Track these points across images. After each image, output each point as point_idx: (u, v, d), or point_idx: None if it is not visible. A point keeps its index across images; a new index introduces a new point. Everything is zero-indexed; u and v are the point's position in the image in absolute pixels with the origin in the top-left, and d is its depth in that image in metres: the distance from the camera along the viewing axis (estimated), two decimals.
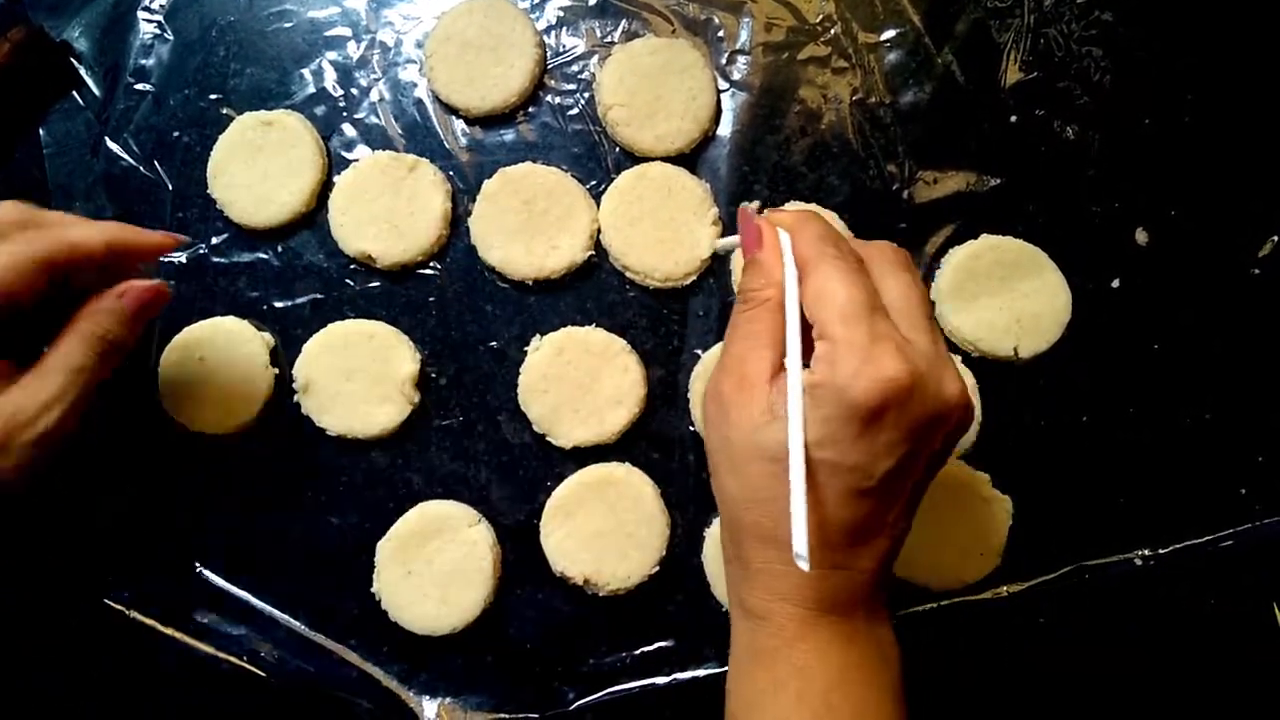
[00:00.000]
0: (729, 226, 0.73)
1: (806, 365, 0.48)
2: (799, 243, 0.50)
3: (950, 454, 0.51)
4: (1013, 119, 0.73)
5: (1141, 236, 0.72)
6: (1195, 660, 0.69)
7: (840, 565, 0.49)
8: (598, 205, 0.73)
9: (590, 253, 0.73)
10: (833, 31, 0.74)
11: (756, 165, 0.74)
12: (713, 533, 0.70)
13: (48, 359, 0.57)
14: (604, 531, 0.70)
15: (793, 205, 0.55)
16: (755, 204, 0.53)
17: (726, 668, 0.68)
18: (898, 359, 0.46)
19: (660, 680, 0.70)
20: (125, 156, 0.76)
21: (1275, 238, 0.72)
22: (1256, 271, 0.72)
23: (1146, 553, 0.70)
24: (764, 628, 0.51)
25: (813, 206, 0.71)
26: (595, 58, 0.75)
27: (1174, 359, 0.71)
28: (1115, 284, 0.72)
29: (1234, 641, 0.69)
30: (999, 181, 0.73)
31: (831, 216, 0.71)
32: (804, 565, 0.44)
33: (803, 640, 0.49)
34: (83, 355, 0.57)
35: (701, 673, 0.70)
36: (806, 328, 0.49)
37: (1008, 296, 0.70)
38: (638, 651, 0.70)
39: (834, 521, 0.48)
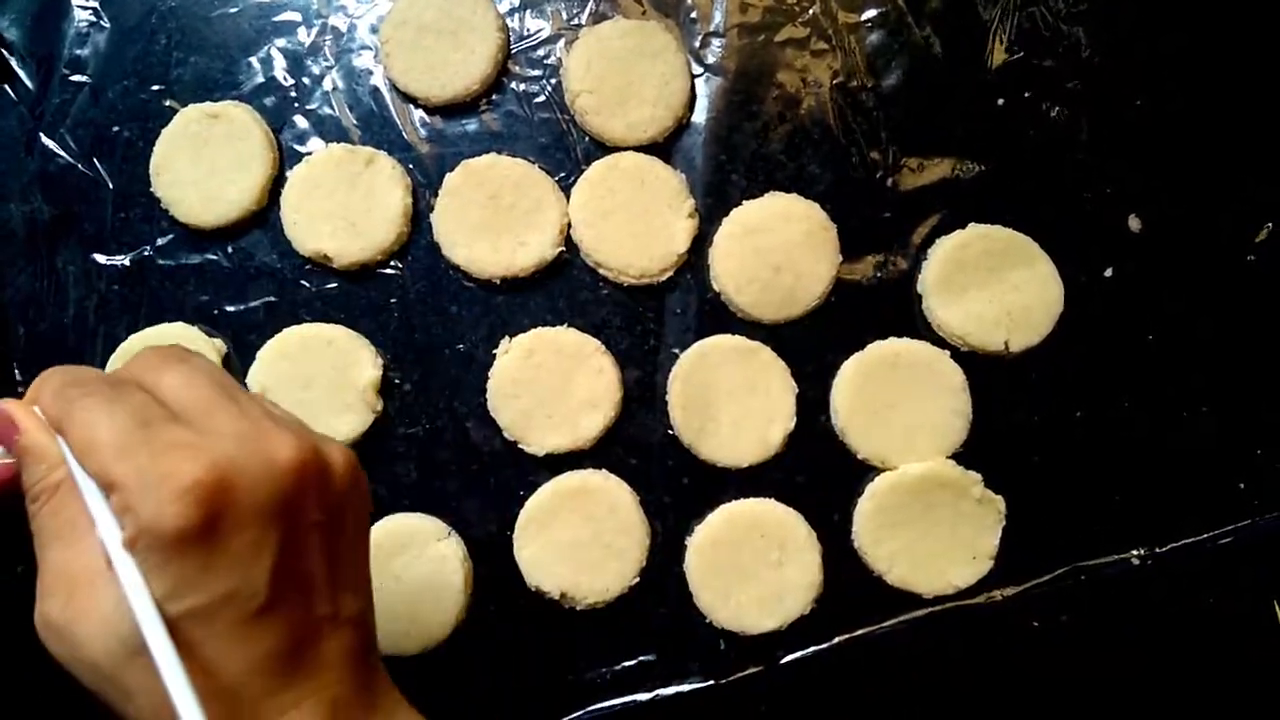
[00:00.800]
0: (707, 218, 0.69)
1: None
2: (44, 408, 0.41)
3: (364, 506, 0.44)
4: (999, 101, 0.70)
5: (1134, 223, 0.69)
6: (1194, 661, 0.67)
7: (299, 692, 0.39)
8: (567, 198, 0.70)
9: (560, 249, 0.69)
10: (811, 11, 0.71)
11: (734, 153, 0.70)
12: (695, 541, 0.67)
13: None
14: (581, 542, 0.67)
15: None
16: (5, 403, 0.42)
17: (712, 681, 0.65)
18: (190, 460, 0.37)
19: (643, 696, 0.67)
20: (62, 153, 0.71)
21: (1271, 223, 0.69)
22: (1253, 258, 0.69)
23: (1143, 552, 0.68)
24: None
25: (782, 196, 0.68)
26: (562, 41, 0.71)
27: (1169, 350, 0.69)
28: (1108, 273, 0.69)
29: (1234, 641, 0.67)
30: (986, 167, 0.69)
31: (811, 206, 0.68)
32: None
33: None
34: None
35: (686, 688, 0.67)
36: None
37: (997, 288, 0.67)
38: (619, 667, 0.67)
39: (250, 660, 0.38)
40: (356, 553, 0.44)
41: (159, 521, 0.36)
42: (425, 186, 0.70)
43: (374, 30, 0.71)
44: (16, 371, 0.69)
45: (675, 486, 0.68)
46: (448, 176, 0.69)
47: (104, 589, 0.37)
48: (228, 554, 0.37)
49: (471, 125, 0.71)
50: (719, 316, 0.69)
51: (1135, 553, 0.68)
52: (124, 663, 0.37)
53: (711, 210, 0.70)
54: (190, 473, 0.37)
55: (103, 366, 0.69)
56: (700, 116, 0.70)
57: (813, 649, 0.66)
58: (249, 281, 0.70)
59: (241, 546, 0.38)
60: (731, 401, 0.68)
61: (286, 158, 0.71)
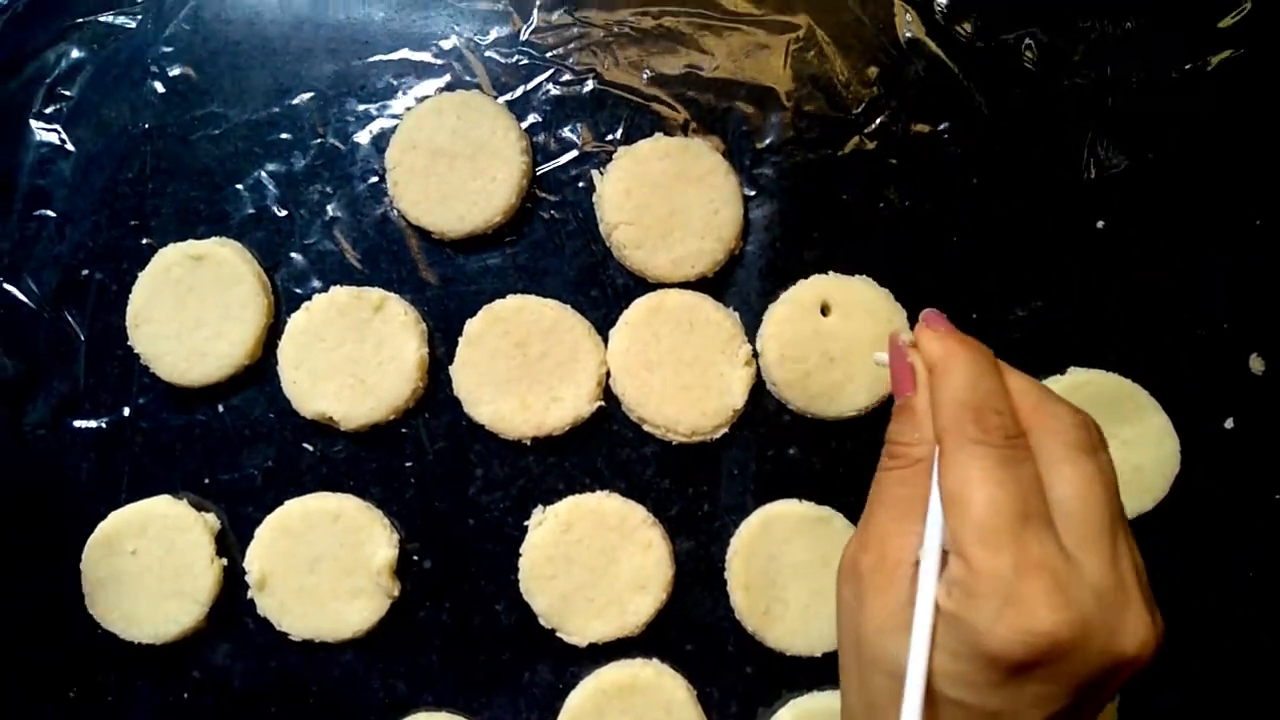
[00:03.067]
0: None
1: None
2: (936, 405, 0.40)
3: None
4: (1099, 224, 0.61)
5: (1257, 364, 0.60)
6: None
7: None
8: (605, 344, 0.61)
9: (599, 403, 0.60)
10: (879, 121, 0.61)
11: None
12: None
13: None
14: None
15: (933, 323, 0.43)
16: (907, 336, 0.43)
17: None
18: (1052, 604, 0.35)
19: None
20: (25, 299, 0.62)
21: None
22: None
23: None
24: None
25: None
26: (594, 161, 0.62)
27: None
28: (1229, 424, 0.60)
29: None
30: (1086, 301, 0.61)
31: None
32: None
33: None
34: None
35: None
36: None
37: None
38: None
39: None
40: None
41: (987, 637, 0.36)
42: (442, 332, 0.62)
43: (378, 148, 0.62)
44: None
45: (738, 677, 0.60)
46: (469, 322, 0.60)
47: (902, 583, 0.39)
48: (1018, 693, 0.36)
49: (494, 260, 0.62)
50: (783, 478, 0.60)
51: None
52: (875, 659, 0.39)
53: None
54: (1046, 619, 0.35)
55: (79, 549, 0.60)
56: (755, 246, 0.61)
57: None
58: (244, 445, 0.62)
59: (1033, 694, 0.36)
60: (801, 579, 0.59)
61: (283, 302, 0.62)
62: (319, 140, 0.62)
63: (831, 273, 0.60)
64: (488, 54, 0.62)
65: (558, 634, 0.59)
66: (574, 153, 0.62)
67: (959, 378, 0.40)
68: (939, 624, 0.37)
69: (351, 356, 0.60)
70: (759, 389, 0.61)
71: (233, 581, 0.61)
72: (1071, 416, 0.40)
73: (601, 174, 0.61)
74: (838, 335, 0.59)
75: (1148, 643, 0.37)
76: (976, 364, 0.40)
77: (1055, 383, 0.60)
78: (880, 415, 0.59)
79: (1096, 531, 0.38)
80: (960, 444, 0.39)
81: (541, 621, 0.59)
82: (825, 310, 0.60)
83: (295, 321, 0.61)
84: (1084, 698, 0.37)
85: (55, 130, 0.63)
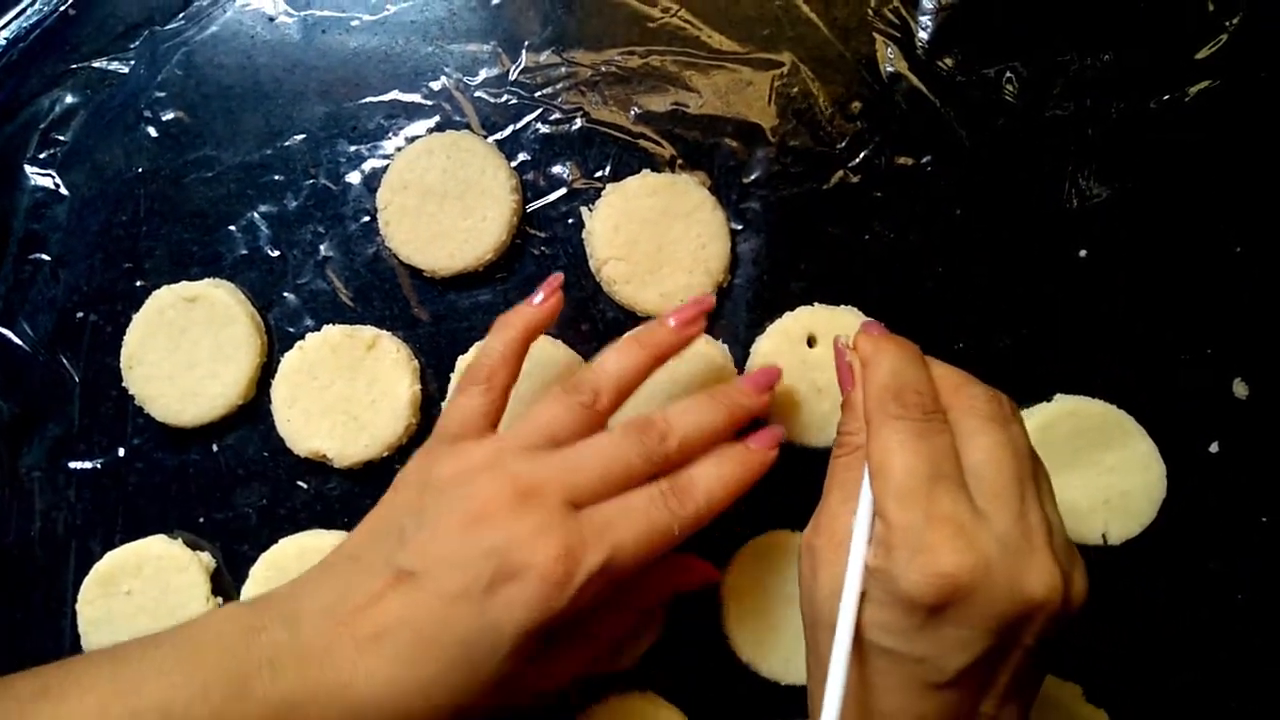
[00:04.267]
0: None
1: None
2: (865, 394, 0.45)
3: (1055, 647, 0.44)
4: (1082, 253, 0.62)
5: (1240, 389, 0.61)
6: None
7: None
8: None
9: None
10: (862, 155, 0.62)
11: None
12: None
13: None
14: None
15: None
16: (846, 336, 0.49)
17: None
18: (955, 549, 0.40)
19: None
20: (20, 342, 0.63)
21: None
22: None
23: None
24: None
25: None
26: (583, 197, 0.63)
27: None
28: (1214, 448, 0.61)
29: None
30: (1069, 329, 0.61)
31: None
32: None
33: None
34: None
35: None
36: None
37: (1091, 471, 0.59)
38: None
39: (896, 715, 0.42)
40: (1041, 671, 0.45)
41: (902, 580, 0.40)
42: (435, 369, 0.62)
43: (370, 188, 0.63)
44: None
45: (732, 708, 0.60)
46: (461, 359, 0.61)
47: (842, 558, 0.43)
48: (938, 635, 0.40)
49: (485, 297, 0.63)
50: (774, 508, 0.61)
51: None
52: (824, 621, 0.43)
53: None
54: (949, 561, 0.40)
55: (75, 589, 0.60)
56: (742, 279, 0.62)
57: None
58: (237, 485, 0.62)
59: (954, 636, 0.40)
60: (793, 608, 0.59)
61: (276, 341, 0.63)
62: (311, 181, 0.63)
63: (817, 304, 0.61)
64: (477, 94, 0.63)
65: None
66: (563, 190, 0.63)
67: (884, 367, 0.45)
68: (869, 580, 0.42)
69: (345, 394, 0.61)
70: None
71: None
72: (985, 393, 0.45)
73: (590, 211, 0.62)
74: (825, 366, 0.60)
75: (1055, 587, 0.41)
76: (900, 355, 0.46)
77: (1041, 410, 0.60)
78: None
79: (1004, 490, 0.42)
80: (884, 421, 0.44)
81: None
82: (811, 342, 0.60)
83: (289, 361, 0.61)
84: (1004, 642, 0.41)
85: (50, 175, 0.64)
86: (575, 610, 0.44)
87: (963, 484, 0.42)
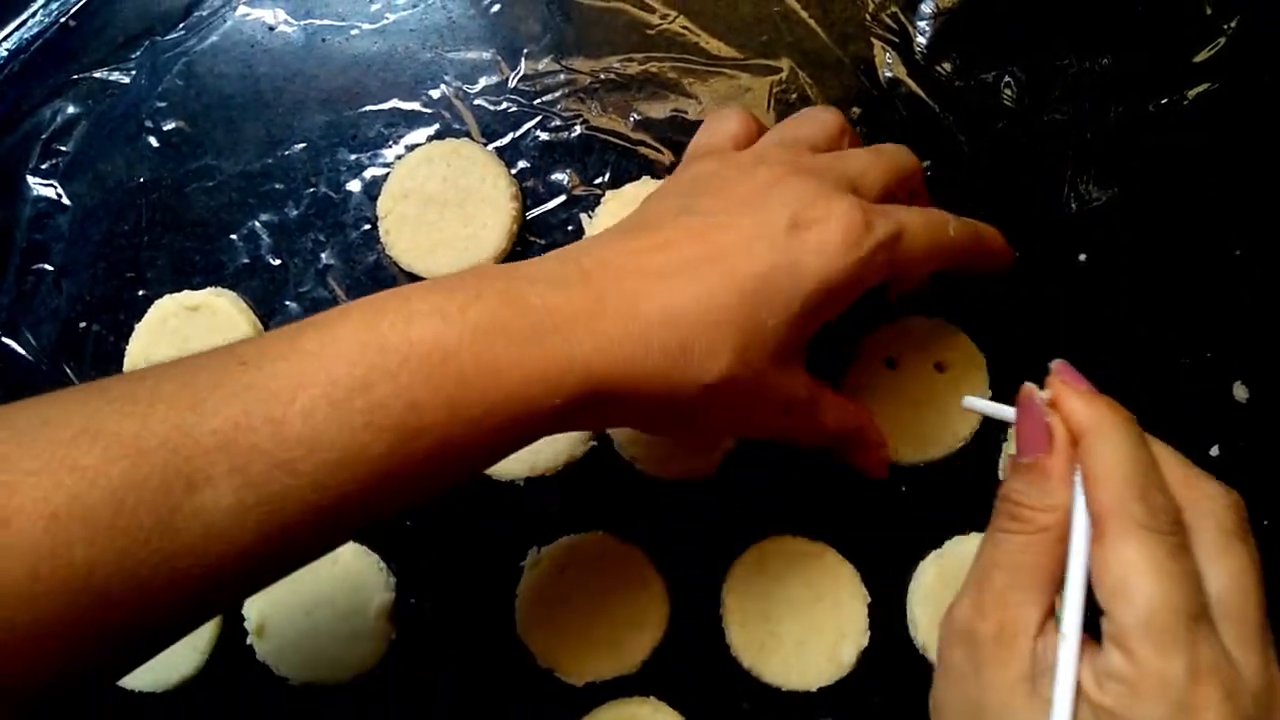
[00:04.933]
0: None
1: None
2: (1094, 480, 0.37)
3: None
4: (1081, 257, 0.62)
5: (1240, 392, 0.61)
6: None
7: None
8: None
9: (592, 443, 0.61)
10: None
11: None
12: None
13: None
14: None
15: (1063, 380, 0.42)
16: (1044, 392, 0.41)
17: None
18: (1222, 714, 0.33)
19: None
20: (23, 353, 0.63)
21: None
22: None
23: None
24: None
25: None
26: (583, 204, 0.63)
27: None
28: (1214, 452, 0.61)
29: None
30: (1071, 336, 0.61)
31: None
32: None
33: None
34: None
35: None
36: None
37: None
38: None
39: None
40: None
41: None
42: None
43: (370, 196, 0.63)
44: None
45: (736, 713, 0.60)
46: None
47: (1022, 655, 0.37)
48: None
49: None
50: (776, 514, 0.61)
51: None
52: None
53: None
54: None
55: None
56: None
57: None
58: None
59: None
60: (795, 614, 0.60)
61: None
62: (312, 190, 0.63)
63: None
64: (476, 102, 0.63)
65: (555, 673, 0.60)
66: (563, 197, 0.63)
67: (1119, 451, 0.37)
68: (1086, 713, 0.35)
69: None
70: None
71: (232, 629, 0.61)
72: (1226, 496, 0.39)
73: (590, 217, 0.62)
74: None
75: None
76: (1132, 435, 0.38)
77: None
78: None
79: (1255, 630, 0.36)
80: (1126, 527, 0.36)
81: (538, 661, 0.60)
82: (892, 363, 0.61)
83: None
84: None
85: (52, 185, 0.64)
86: (860, 281, 0.43)
87: (1214, 622, 0.36)
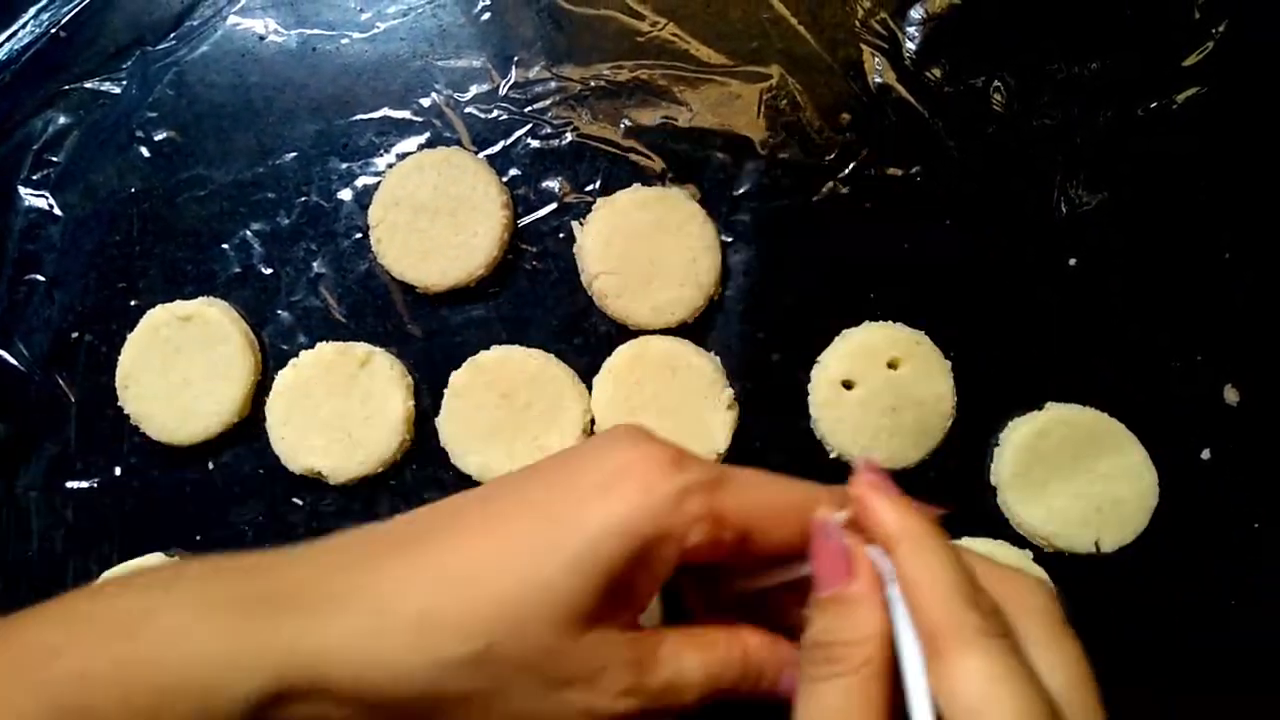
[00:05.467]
0: (745, 407, 0.61)
1: None
2: (919, 592, 0.33)
3: None
4: (1071, 262, 0.62)
5: (1231, 395, 0.61)
6: None
7: None
8: (589, 391, 0.61)
9: None
10: (851, 166, 0.63)
11: (773, 331, 0.62)
12: None
13: None
14: None
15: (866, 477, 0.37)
16: (838, 515, 0.36)
17: None
18: None
19: None
20: (15, 363, 0.63)
21: None
22: None
23: None
24: None
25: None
26: (574, 212, 0.63)
27: None
28: (1205, 455, 0.61)
29: None
30: (1059, 337, 0.62)
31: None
32: None
33: None
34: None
35: None
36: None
37: (1084, 479, 0.60)
38: None
39: None
40: None
41: None
42: (428, 384, 0.62)
43: (361, 205, 0.63)
44: None
45: None
46: (454, 375, 0.61)
47: None
48: None
49: (478, 312, 0.63)
50: None
51: None
52: None
53: (750, 396, 0.61)
54: None
55: None
56: (733, 290, 0.62)
57: None
58: (233, 502, 0.62)
59: None
60: None
61: (270, 359, 0.63)
62: (303, 199, 0.63)
63: (868, 322, 0.62)
64: (467, 110, 0.63)
65: None
66: (554, 205, 0.63)
67: (937, 556, 0.34)
68: None
69: (339, 411, 0.61)
70: (741, 432, 0.61)
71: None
72: (1043, 588, 0.36)
73: (581, 225, 0.62)
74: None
75: None
76: (943, 536, 0.35)
77: (1033, 419, 0.60)
78: None
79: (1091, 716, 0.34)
80: (966, 639, 0.32)
81: None
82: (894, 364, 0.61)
83: (283, 378, 0.62)
84: None
85: (43, 195, 0.64)
86: (669, 534, 0.36)
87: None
